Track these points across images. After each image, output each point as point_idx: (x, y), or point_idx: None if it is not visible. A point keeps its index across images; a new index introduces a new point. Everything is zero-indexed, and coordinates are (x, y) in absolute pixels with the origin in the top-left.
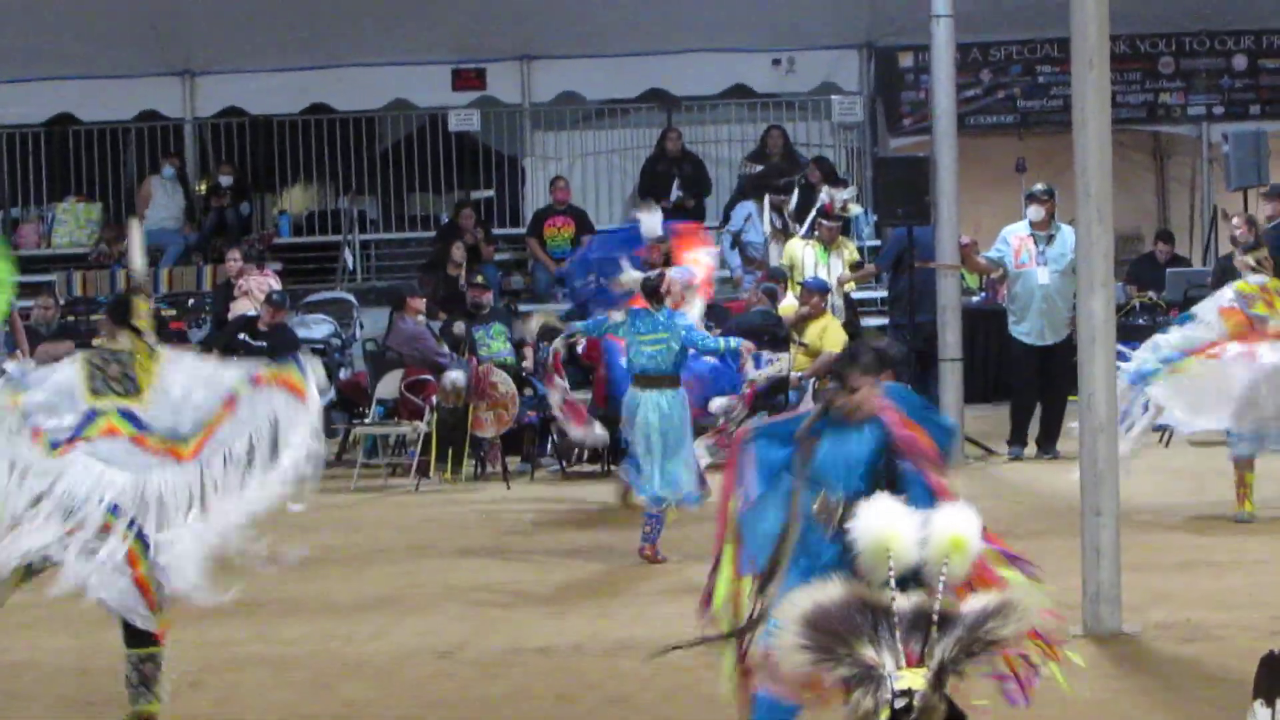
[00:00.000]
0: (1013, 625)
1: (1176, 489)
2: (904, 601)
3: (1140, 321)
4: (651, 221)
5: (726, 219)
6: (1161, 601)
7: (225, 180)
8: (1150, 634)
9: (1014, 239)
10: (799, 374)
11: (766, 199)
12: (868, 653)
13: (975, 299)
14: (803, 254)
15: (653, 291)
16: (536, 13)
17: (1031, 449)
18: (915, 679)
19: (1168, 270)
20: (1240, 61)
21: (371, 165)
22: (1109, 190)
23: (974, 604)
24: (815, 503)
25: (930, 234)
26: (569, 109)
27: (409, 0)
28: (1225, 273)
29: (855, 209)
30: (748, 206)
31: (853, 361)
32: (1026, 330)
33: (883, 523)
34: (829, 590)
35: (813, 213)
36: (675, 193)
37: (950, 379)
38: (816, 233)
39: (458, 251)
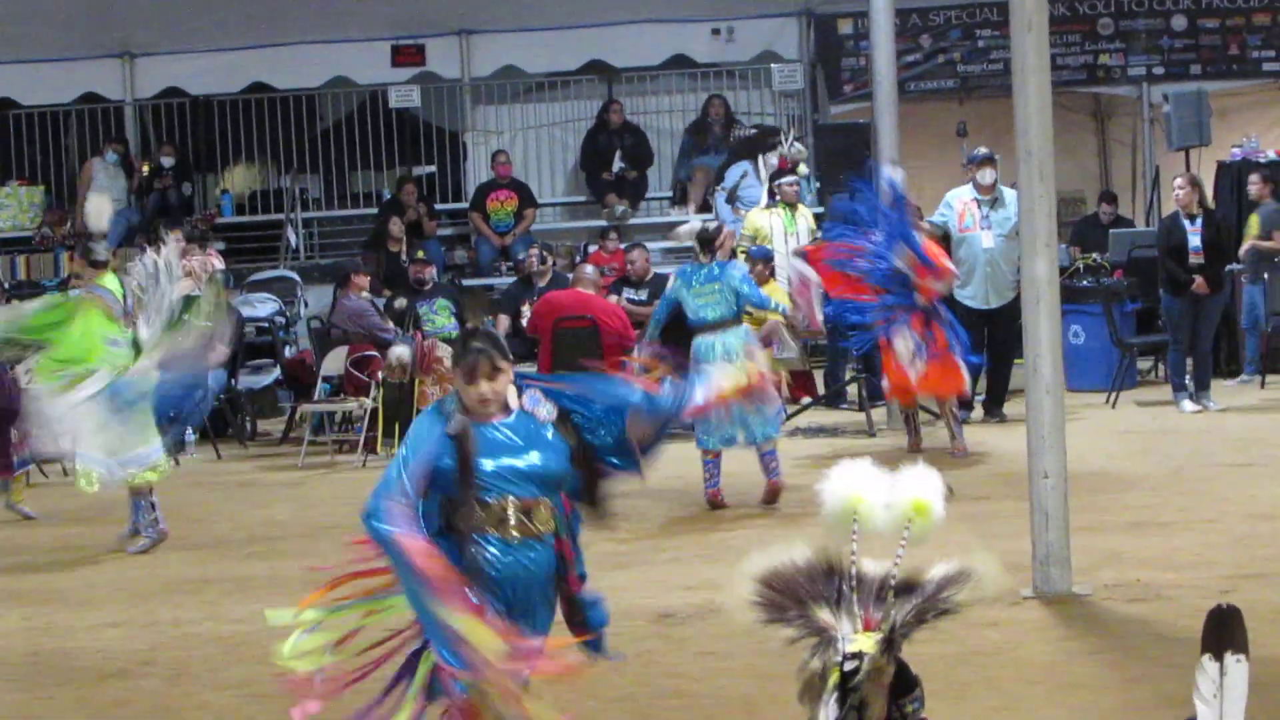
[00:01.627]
0: (967, 593)
1: (1124, 450)
2: (866, 566)
3: (1085, 283)
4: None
5: (720, 178)
6: (1111, 562)
7: (167, 161)
8: (1100, 595)
9: (957, 203)
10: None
11: (760, 157)
12: (823, 615)
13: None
14: (769, 223)
15: (707, 243)
16: None
17: (979, 412)
18: (866, 642)
19: (1111, 231)
20: (1180, 21)
21: (313, 143)
22: (1050, 152)
23: (935, 571)
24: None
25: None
26: (509, 83)
27: None
28: (1170, 232)
29: (804, 168)
30: (743, 165)
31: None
32: (971, 294)
33: (849, 485)
34: (793, 552)
35: (765, 178)
36: (617, 164)
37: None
38: (778, 196)
39: (396, 227)
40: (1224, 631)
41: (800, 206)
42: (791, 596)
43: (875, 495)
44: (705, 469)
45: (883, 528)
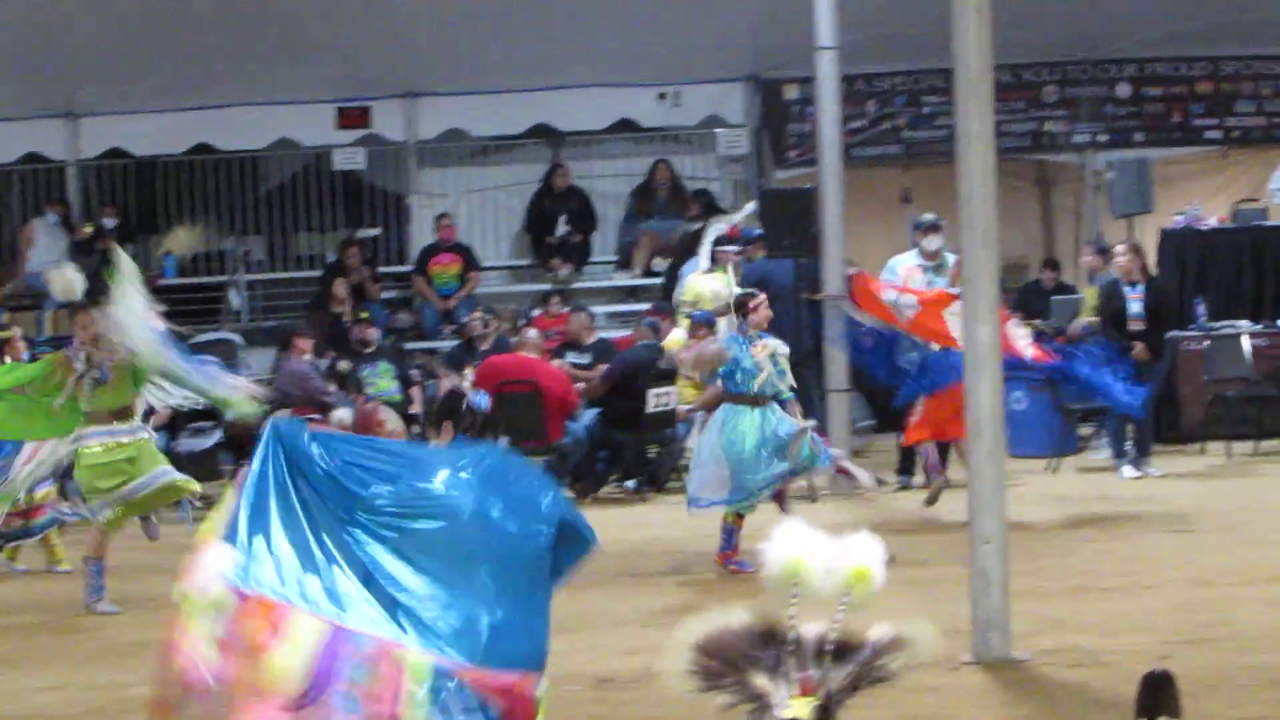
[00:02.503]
0: (903, 659)
1: (1065, 516)
2: (804, 630)
3: None
4: None
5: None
6: (1051, 628)
7: (109, 222)
8: (1040, 660)
9: (902, 269)
10: (686, 406)
11: (709, 222)
12: (760, 681)
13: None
14: (710, 287)
15: (739, 307)
16: (421, 49)
17: (921, 477)
18: (802, 708)
19: (1053, 297)
20: (1124, 89)
21: (257, 205)
22: (994, 218)
23: (871, 636)
24: None
25: (786, 269)
26: (454, 146)
27: (292, 39)
28: (1110, 299)
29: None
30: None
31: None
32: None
33: (792, 549)
34: (730, 617)
35: (708, 243)
36: (562, 228)
37: (838, 410)
38: (718, 262)
39: (341, 289)
40: (1157, 696)
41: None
42: (728, 663)
43: (817, 560)
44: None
45: (823, 593)
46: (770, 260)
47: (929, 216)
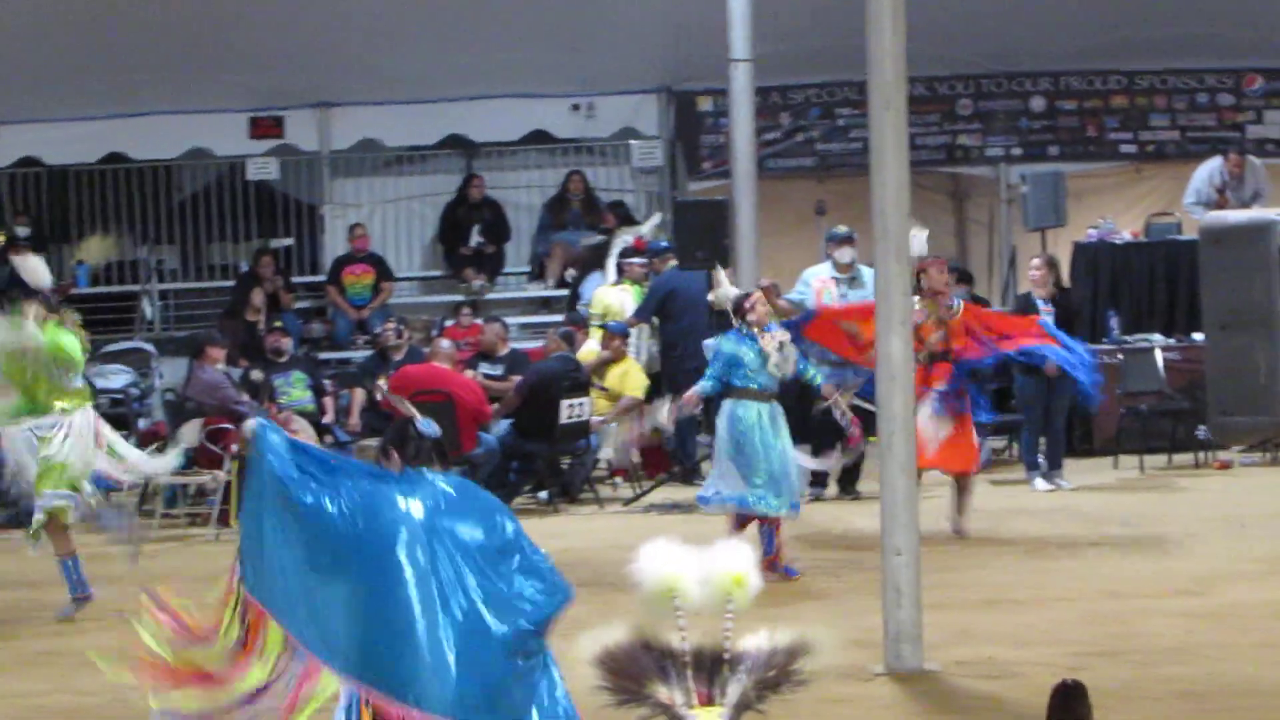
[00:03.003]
0: (806, 666)
1: (977, 528)
2: (692, 642)
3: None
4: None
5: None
6: (963, 639)
7: (22, 231)
8: (951, 672)
9: (816, 281)
10: (599, 418)
11: (616, 234)
12: (661, 692)
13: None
14: (619, 299)
15: (737, 309)
16: (334, 59)
17: (833, 489)
18: (710, 717)
19: None
20: (1038, 103)
21: (170, 214)
22: (905, 230)
23: (761, 641)
24: None
25: (695, 281)
26: (368, 156)
27: (205, 48)
28: (1023, 313)
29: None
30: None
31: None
32: (827, 372)
33: (665, 565)
34: (615, 633)
35: (614, 256)
36: (476, 239)
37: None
38: (625, 274)
39: (256, 298)
40: (1069, 707)
41: (648, 285)
42: (630, 677)
43: (690, 573)
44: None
45: (702, 604)
46: (680, 271)
47: (842, 229)
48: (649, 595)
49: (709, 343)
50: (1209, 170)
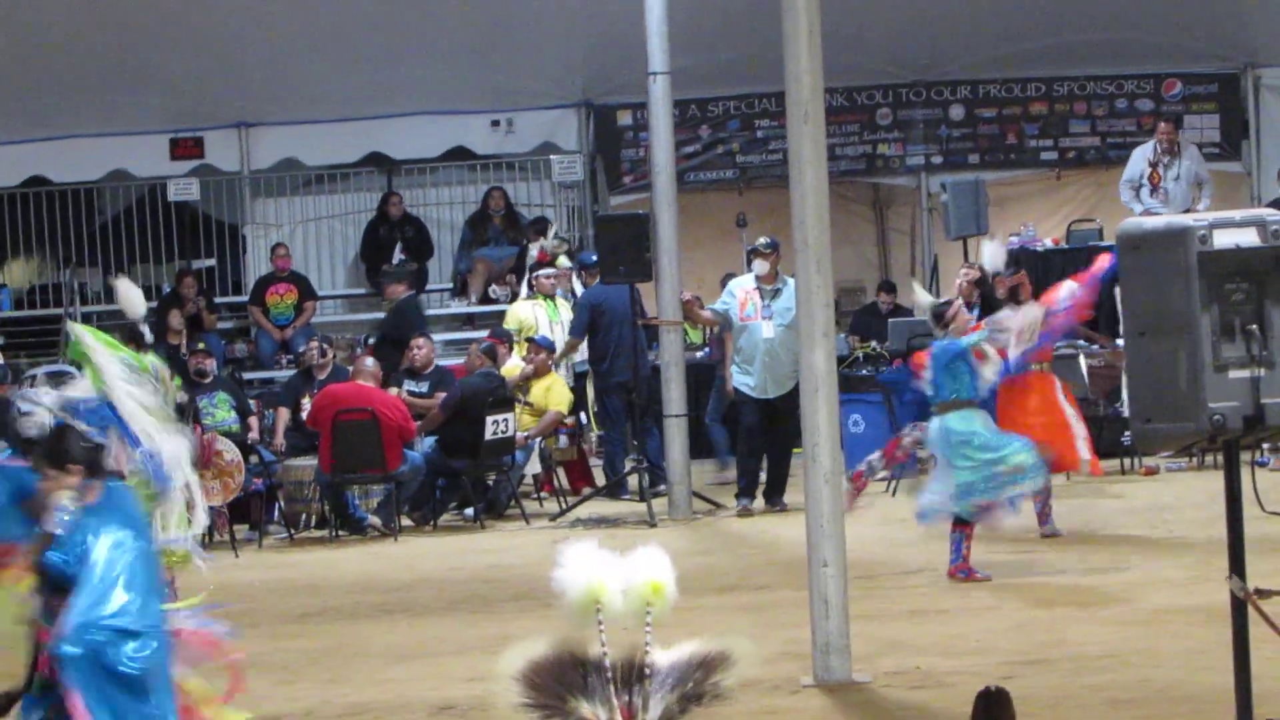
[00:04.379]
0: (728, 676)
1: (905, 538)
2: (618, 654)
3: (863, 372)
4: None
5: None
6: (891, 650)
7: None
8: (880, 683)
9: (740, 291)
10: (524, 433)
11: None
12: (584, 708)
13: (699, 354)
14: (533, 314)
15: (938, 318)
16: (253, 79)
17: (760, 501)
18: None
19: (890, 320)
20: (958, 111)
21: (92, 237)
22: (827, 242)
23: (683, 653)
24: None
25: (620, 294)
26: (288, 175)
27: (124, 70)
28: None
29: (564, 261)
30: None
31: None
32: (751, 383)
33: (587, 572)
34: (539, 646)
35: (527, 271)
36: (398, 256)
37: (676, 435)
38: (536, 288)
39: (176, 319)
40: (993, 713)
41: (558, 300)
42: (552, 692)
43: (613, 581)
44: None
45: (623, 613)
46: (605, 285)
47: (761, 240)
48: (572, 603)
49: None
50: (1141, 153)
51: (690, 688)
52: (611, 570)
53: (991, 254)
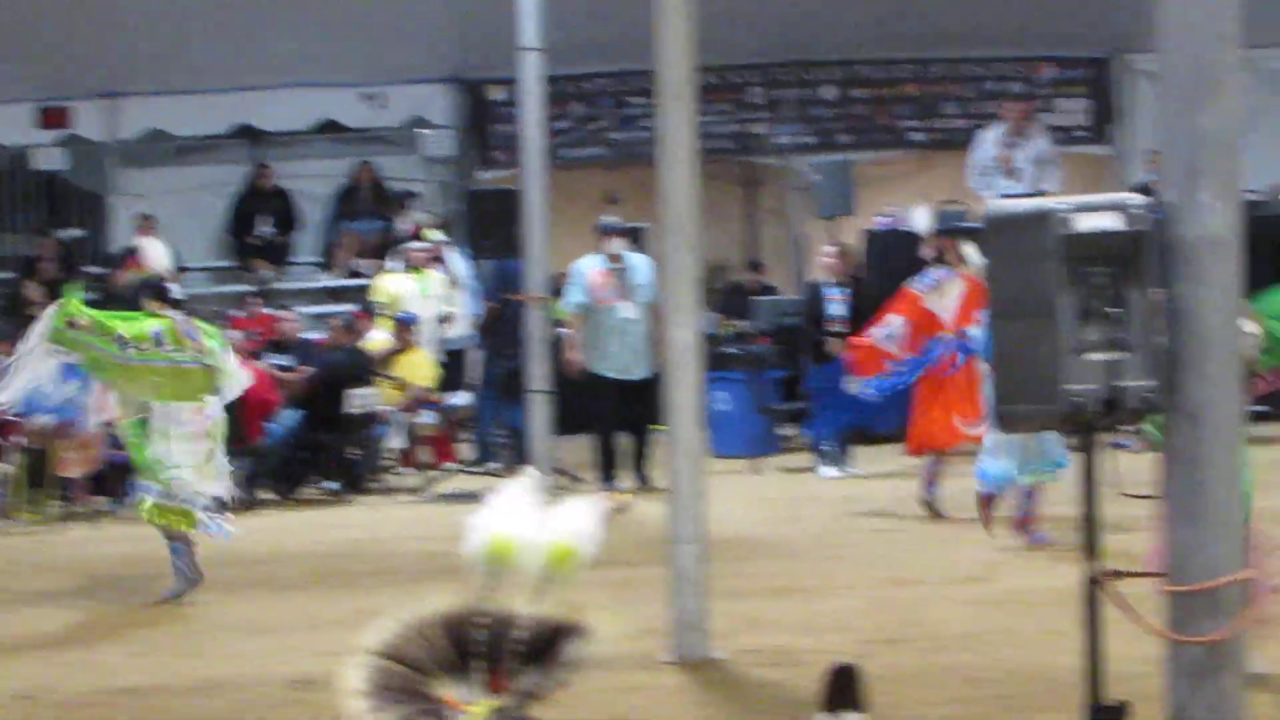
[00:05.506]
0: (584, 651)
1: (767, 516)
2: (495, 624)
3: (730, 351)
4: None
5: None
6: (750, 628)
7: None
8: (739, 660)
9: (591, 274)
10: (389, 408)
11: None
12: (444, 686)
13: (565, 331)
14: (402, 287)
15: None
16: (122, 49)
17: (627, 481)
18: (480, 712)
19: (757, 299)
20: (829, 91)
21: None
22: (695, 221)
23: (533, 625)
24: None
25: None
26: (156, 146)
27: None
28: (812, 300)
29: (435, 233)
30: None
31: None
32: (610, 364)
33: (503, 524)
34: (415, 616)
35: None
36: (264, 229)
37: (539, 411)
38: (410, 262)
39: (34, 291)
40: (842, 689)
41: (432, 271)
42: (412, 667)
43: (528, 536)
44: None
45: (528, 574)
46: (510, 260)
47: (612, 219)
48: (483, 556)
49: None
50: (988, 136)
51: (556, 662)
52: (528, 525)
53: (921, 217)
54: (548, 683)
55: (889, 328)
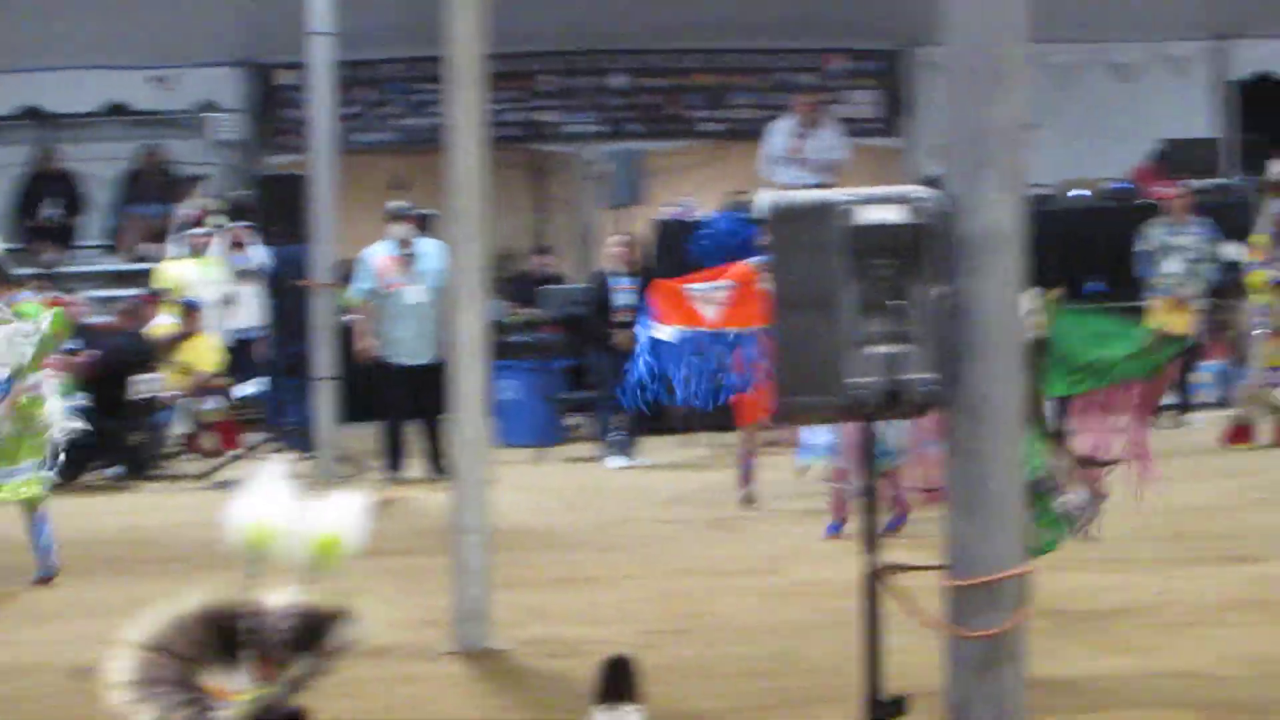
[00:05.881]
0: (350, 639)
1: (551, 506)
2: (264, 612)
3: (517, 339)
4: None
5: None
6: (533, 618)
7: None
8: (521, 650)
9: (378, 260)
10: (174, 393)
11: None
12: (209, 676)
13: (354, 318)
14: (186, 273)
15: None
16: None
17: (411, 468)
18: (247, 701)
19: (545, 287)
20: (620, 80)
21: None
22: (481, 207)
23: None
24: None
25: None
26: None
27: None
28: (599, 290)
29: (220, 218)
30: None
31: None
32: (400, 351)
33: (260, 512)
34: (182, 606)
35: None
36: (49, 211)
37: (325, 397)
38: (194, 248)
39: None
40: (617, 681)
41: (217, 256)
42: (177, 659)
43: (286, 525)
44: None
45: (291, 563)
46: (287, 246)
47: (399, 204)
48: (243, 545)
49: None
50: (780, 127)
51: (325, 649)
52: (289, 514)
53: (763, 203)
54: (315, 671)
55: (716, 285)
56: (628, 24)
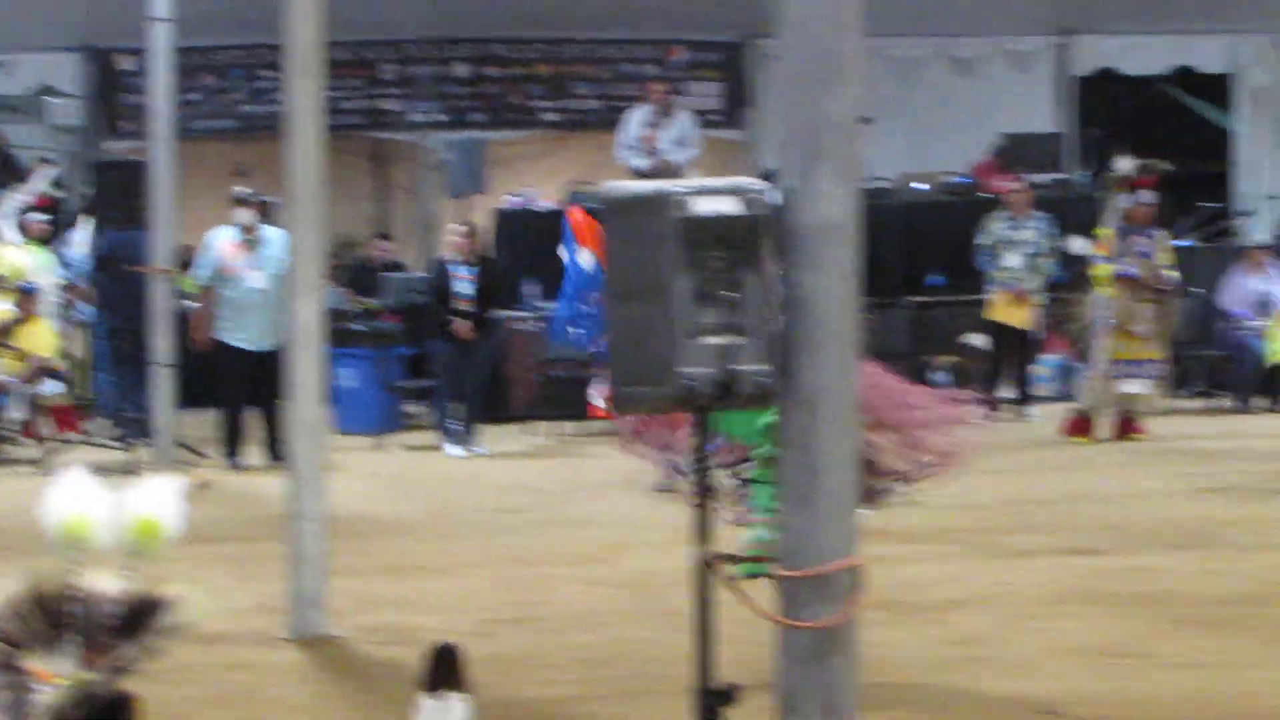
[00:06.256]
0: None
1: (390, 494)
2: (88, 596)
3: (357, 327)
4: None
5: None
6: (369, 606)
7: None
8: (356, 638)
9: (221, 244)
10: (10, 378)
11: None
12: (33, 659)
13: (192, 304)
14: (22, 258)
15: None
16: None
17: (250, 455)
18: (68, 684)
19: (385, 275)
20: (462, 70)
21: None
22: (320, 195)
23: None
24: None
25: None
26: None
27: None
28: (439, 278)
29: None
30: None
31: None
32: (242, 336)
33: (72, 501)
34: (11, 586)
35: (10, 214)
36: None
37: (163, 384)
38: (28, 232)
39: None
40: (443, 669)
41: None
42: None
43: (100, 514)
44: None
45: (110, 549)
46: (126, 231)
47: (244, 190)
48: (58, 535)
49: None
50: (637, 114)
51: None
52: (102, 502)
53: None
54: (139, 656)
55: None
56: (471, 13)
